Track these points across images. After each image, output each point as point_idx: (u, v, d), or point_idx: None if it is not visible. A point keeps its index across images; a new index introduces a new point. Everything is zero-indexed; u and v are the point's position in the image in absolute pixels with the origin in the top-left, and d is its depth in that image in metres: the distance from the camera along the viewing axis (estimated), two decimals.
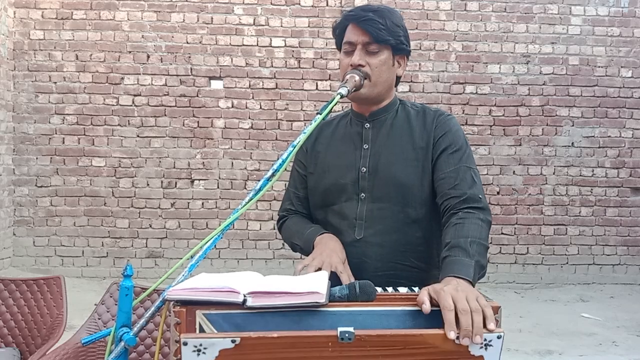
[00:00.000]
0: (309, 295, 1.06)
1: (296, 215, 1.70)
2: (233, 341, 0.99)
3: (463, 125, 5.60)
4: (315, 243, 1.51)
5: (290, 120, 5.71)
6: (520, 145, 5.86)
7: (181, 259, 1.21)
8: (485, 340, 1.02)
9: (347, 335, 0.99)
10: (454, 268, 1.25)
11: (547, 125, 5.87)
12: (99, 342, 1.89)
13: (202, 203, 5.69)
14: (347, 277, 1.41)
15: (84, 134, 5.62)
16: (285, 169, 1.29)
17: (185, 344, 0.99)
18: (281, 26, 5.72)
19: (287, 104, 5.72)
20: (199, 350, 0.99)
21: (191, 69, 5.68)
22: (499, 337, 1.03)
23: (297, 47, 5.73)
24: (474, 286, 1.20)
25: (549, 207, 5.86)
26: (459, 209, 1.42)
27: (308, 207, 1.68)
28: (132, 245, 5.63)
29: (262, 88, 5.71)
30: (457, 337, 1.01)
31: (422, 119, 1.57)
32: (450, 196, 1.45)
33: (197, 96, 5.68)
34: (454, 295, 1.07)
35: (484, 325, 1.03)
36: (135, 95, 5.64)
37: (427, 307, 1.06)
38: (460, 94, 5.81)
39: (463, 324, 1.02)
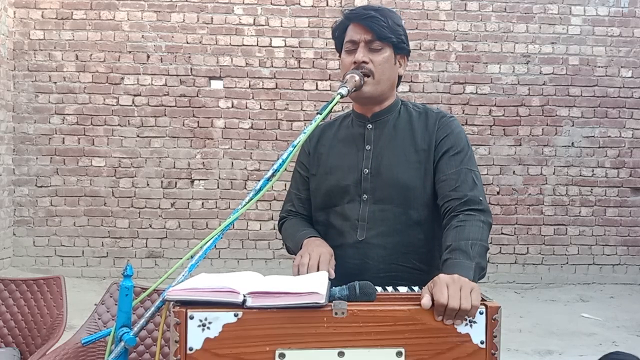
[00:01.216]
0: (309, 296, 1.06)
1: (295, 218, 1.70)
2: (236, 315, 1.04)
3: (463, 125, 5.56)
4: (302, 245, 1.52)
5: (290, 120, 5.71)
6: (520, 145, 5.86)
7: (181, 259, 1.22)
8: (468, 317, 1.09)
9: (340, 307, 1.05)
10: (454, 270, 1.25)
11: (547, 125, 5.87)
12: (99, 342, 1.89)
13: (202, 203, 5.69)
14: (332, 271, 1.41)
15: (84, 134, 5.62)
16: (286, 169, 1.29)
17: (191, 317, 1.03)
18: (281, 26, 5.72)
19: (287, 104, 5.72)
20: (203, 325, 1.04)
21: (191, 69, 5.68)
22: (481, 313, 1.09)
23: (297, 47, 5.73)
24: None
25: (549, 207, 5.86)
26: (459, 211, 1.43)
27: (309, 208, 1.68)
28: (132, 245, 5.63)
29: (262, 88, 5.71)
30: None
31: (424, 121, 1.57)
32: (451, 198, 1.46)
33: (197, 96, 5.68)
34: (449, 285, 1.10)
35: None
36: (135, 95, 5.64)
37: (425, 302, 1.09)
38: (460, 94, 5.81)
39: (447, 316, 1.08)
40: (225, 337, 1.04)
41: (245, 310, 1.04)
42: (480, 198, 1.46)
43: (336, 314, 1.05)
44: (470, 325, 1.08)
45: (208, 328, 1.03)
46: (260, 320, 1.04)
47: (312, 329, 1.05)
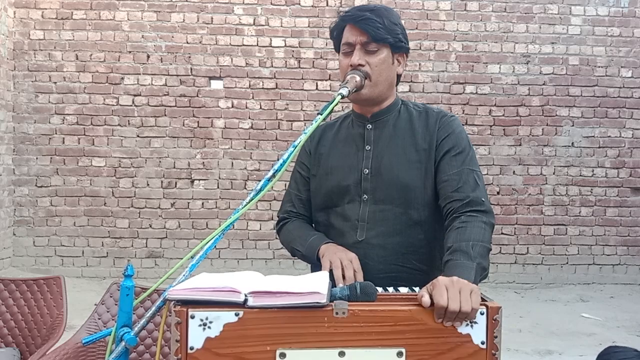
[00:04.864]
0: (310, 296, 1.06)
1: (297, 220, 1.68)
2: (237, 314, 1.04)
3: (463, 125, 5.58)
4: (320, 253, 1.49)
5: (290, 120, 5.71)
6: (520, 145, 5.86)
7: (181, 259, 1.22)
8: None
9: (341, 307, 1.05)
10: (455, 272, 1.25)
11: (547, 125, 5.87)
12: (99, 342, 1.89)
13: (202, 203, 5.68)
14: (361, 276, 1.40)
15: (84, 134, 5.62)
16: (286, 170, 1.28)
17: (192, 317, 1.04)
18: (281, 26, 5.72)
19: (287, 104, 5.72)
20: (204, 325, 1.04)
21: (191, 69, 5.68)
22: (482, 314, 1.09)
23: (297, 47, 5.73)
24: None
25: (549, 207, 5.86)
26: (461, 212, 1.42)
27: (309, 209, 1.67)
28: (132, 245, 5.62)
29: (262, 88, 5.71)
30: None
31: (425, 120, 1.56)
32: (453, 199, 1.45)
33: (197, 96, 5.68)
34: (448, 287, 1.09)
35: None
36: (135, 95, 5.64)
37: (426, 299, 1.09)
38: (460, 94, 5.81)
39: (447, 318, 1.08)
40: (226, 336, 1.04)
41: (246, 309, 1.04)
42: (483, 199, 1.45)
43: (337, 313, 1.05)
44: (471, 326, 1.08)
45: (209, 327, 1.04)
46: (261, 320, 1.05)
47: (312, 328, 1.05)
